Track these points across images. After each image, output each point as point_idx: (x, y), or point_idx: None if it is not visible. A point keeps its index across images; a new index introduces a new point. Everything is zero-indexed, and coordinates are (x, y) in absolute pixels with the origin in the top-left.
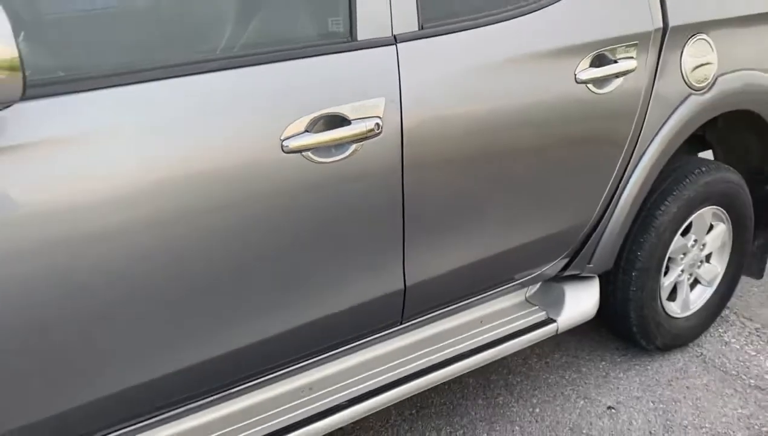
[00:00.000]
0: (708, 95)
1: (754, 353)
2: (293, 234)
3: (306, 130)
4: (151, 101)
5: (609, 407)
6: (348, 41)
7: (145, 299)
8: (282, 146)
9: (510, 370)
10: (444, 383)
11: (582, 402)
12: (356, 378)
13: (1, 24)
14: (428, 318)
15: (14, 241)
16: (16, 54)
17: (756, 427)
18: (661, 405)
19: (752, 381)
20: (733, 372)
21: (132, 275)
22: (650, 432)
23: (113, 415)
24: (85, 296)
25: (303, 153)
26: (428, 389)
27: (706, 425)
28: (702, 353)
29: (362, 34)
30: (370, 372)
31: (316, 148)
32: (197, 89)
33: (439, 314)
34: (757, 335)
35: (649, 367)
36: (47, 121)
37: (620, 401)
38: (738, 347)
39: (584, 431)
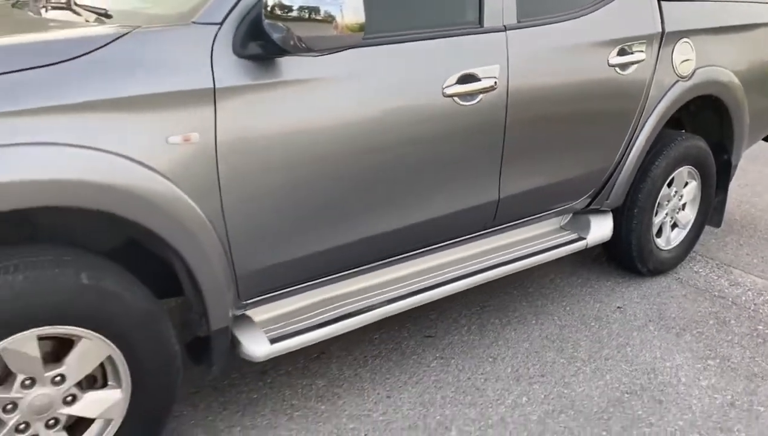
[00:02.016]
0: (690, 82)
1: (716, 278)
2: (442, 153)
3: (456, 82)
4: (385, 56)
5: (618, 307)
6: (479, 27)
7: (373, 185)
8: (442, 93)
9: (542, 286)
10: (495, 291)
11: (598, 305)
12: (458, 266)
13: (356, 0)
14: (503, 229)
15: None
16: (364, 20)
17: (721, 317)
18: (655, 306)
19: (716, 293)
20: (703, 288)
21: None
22: (650, 320)
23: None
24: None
25: (453, 98)
26: (485, 295)
27: (687, 317)
28: (679, 277)
29: (487, 24)
30: (467, 263)
31: (460, 96)
32: (405, 51)
33: (509, 226)
34: (717, 268)
35: (642, 285)
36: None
37: (625, 304)
38: (704, 274)
39: (603, 320)
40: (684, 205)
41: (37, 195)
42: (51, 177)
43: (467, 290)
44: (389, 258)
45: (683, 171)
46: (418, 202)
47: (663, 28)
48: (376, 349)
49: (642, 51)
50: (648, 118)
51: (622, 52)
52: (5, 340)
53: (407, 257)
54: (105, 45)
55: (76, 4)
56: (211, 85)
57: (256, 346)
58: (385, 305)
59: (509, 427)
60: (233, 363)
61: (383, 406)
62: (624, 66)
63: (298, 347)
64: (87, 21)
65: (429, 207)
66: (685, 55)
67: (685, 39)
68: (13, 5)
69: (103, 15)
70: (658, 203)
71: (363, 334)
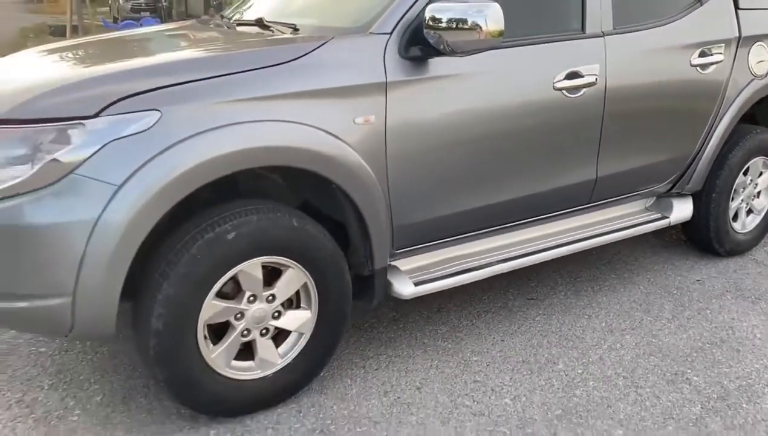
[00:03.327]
0: (764, 81)
1: None
2: (553, 136)
3: (564, 78)
4: (509, 57)
5: (697, 280)
6: (582, 33)
7: (497, 161)
8: (553, 86)
9: (627, 262)
10: (586, 265)
11: (679, 278)
12: (560, 236)
13: (498, 13)
14: (598, 205)
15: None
16: (503, 27)
17: None
18: (732, 280)
19: None
20: None
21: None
22: (727, 290)
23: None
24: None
25: (562, 91)
26: (578, 268)
27: (762, 289)
28: (755, 258)
29: (588, 30)
30: (568, 234)
31: (567, 89)
32: (524, 53)
33: (603, 203)
34: None
35: (720, 264)
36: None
37: (704, 277)
38: None
39: (684, 290)
40: (759, 193)
41: (273, 157)
42: (281, 144)
43: (562, 263)
44: (506, 224)
45: (758, 161)
46: (532, 177)
47: (740, 32)
48: (486, 306)
49: (720, 53)
50: (725, 112)
51: (702, 54)
52: (242, 264)
53: (518, 225)
54: (314, 50)
55: (266, 21)
56: (384, 80)
57: (404, 287)
58: (500, 263)
59: (607, 363)
60: (369, 312)
61: (499, 346)
62: (704, 66)
63: (434, 291)
64: (282, 33)
65: (541, 181)
66: (759, 57)
67: (760, 42)
68: (198, 21)
69: (293, 28)
70: (735, 190)
71: (473, 295)
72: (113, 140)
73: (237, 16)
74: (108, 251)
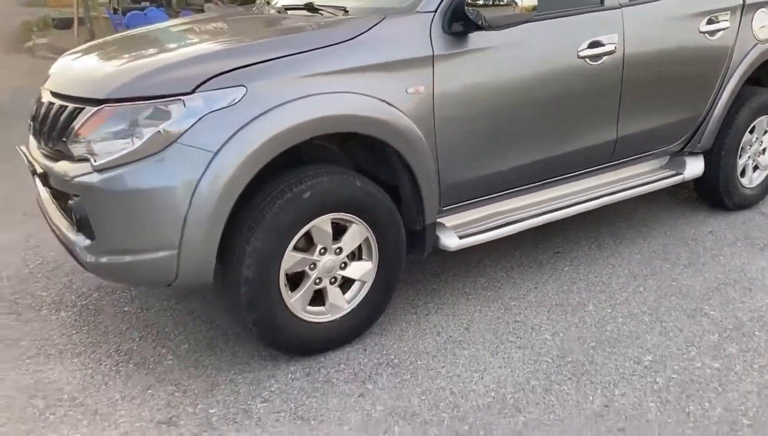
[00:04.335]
0: (767, 45)
1: None
2: (576, 101)
3: (587, 47)
4: (538, 29)
5: (710, 231)
6: (601, 6)
7: (529, 124)
8: (577, 54)
9: (645, 218)
10: (606, 221)
11: (693, 230)
12: (585, 193)
13: None
14: (618, 164)
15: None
16: (536, 3)
17: None
18: (741, 230)
19: None
20: None
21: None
22: (737, 239)
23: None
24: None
25: (585, 59)
26: (598, 224)
27: None
28: (762, 211)
29: (607, 3)
30: (591, 191)
31: (590, 57)
32: (551, 25)
33: (622, 162)
34: None
35: (730, 217)
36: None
37: (715, 229)
38: None
39: (698, 240)
40: (764, 149)
41: (341, 124)
42: (348, 112)
43: (583, 221)
44: (538, 182)
45: (763, 120)
46: (559, 138)
47: (744, 0)
48: (518, 260)
49: (726, 20)
50: (732, 75)
51: (710, 21)
52: (315, 220)
53: (548, 183)
54: (370, 29)
55: (314, 5)
56: (431, 54)
57: (450, 240)
58: (533, 218)
59: (632, 304)
60: (414, 267)
61: (534, 293)
62: (712, 33)
63: (476, 243)
64: (334, 15)
65: (568, 142)
66: (762, 23)
67: (762, 9)
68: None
69: (344, 11)
70: (742, 148)
71: (506, 252)
72: (208, 113)
73: (284, 2)
74: (208, 209)
